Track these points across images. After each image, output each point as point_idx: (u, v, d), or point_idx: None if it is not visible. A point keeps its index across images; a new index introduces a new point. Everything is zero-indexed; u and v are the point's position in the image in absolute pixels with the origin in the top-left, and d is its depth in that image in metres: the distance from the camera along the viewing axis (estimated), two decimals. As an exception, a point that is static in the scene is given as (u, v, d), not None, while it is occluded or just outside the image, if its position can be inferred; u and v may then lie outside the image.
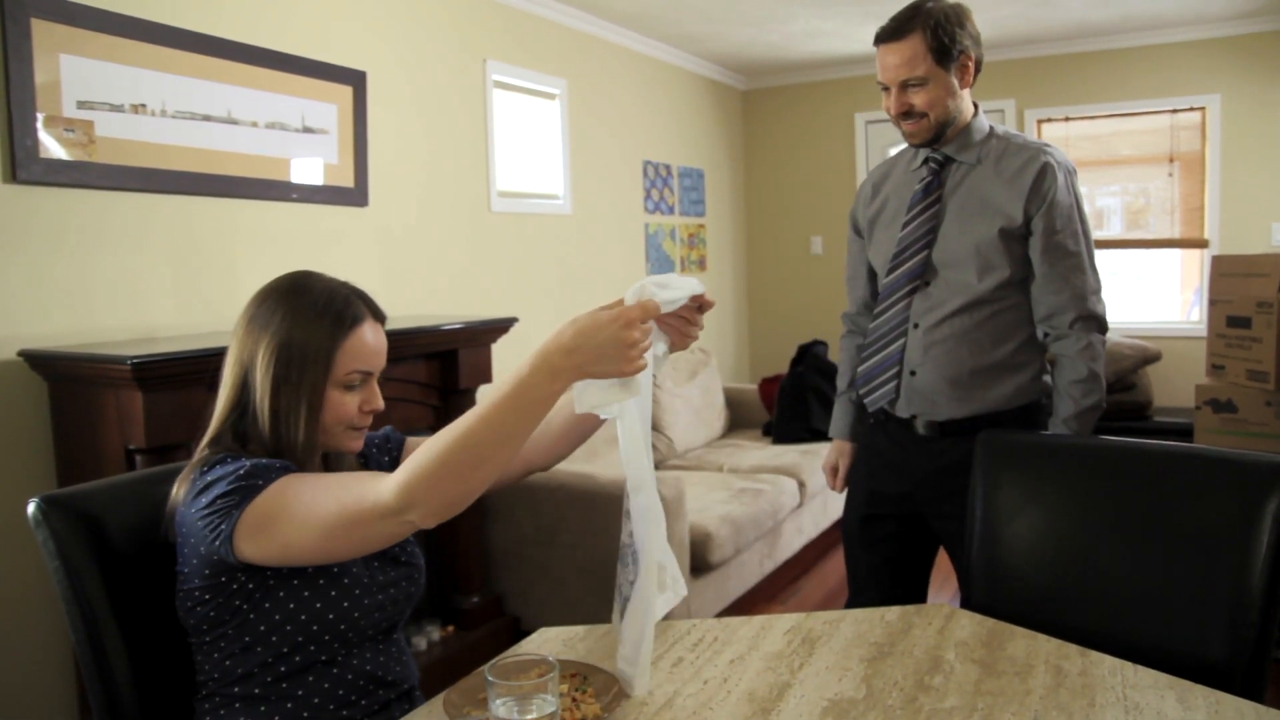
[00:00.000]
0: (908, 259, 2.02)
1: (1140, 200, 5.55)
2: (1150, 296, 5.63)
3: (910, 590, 2.14)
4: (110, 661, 1.28)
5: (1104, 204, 5.68)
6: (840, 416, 2.31)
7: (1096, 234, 5.64)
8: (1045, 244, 1.94)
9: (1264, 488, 1.45)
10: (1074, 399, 1.96)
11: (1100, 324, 1.99)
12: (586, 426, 1.47)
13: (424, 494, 1.09)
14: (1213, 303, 3.95)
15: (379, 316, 1.37)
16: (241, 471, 1.19)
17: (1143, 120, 5.46)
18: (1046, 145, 1.99)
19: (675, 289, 1.17)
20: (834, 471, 2.30)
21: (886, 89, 1.96)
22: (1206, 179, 5.31)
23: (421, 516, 1.11)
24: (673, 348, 1.29)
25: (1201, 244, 5.35)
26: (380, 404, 1.35)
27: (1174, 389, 5.26)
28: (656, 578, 1.25)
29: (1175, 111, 5.36)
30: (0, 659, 2.38)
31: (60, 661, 2.48)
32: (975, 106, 2.03)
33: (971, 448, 1.97)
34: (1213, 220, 5.30)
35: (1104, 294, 2.01)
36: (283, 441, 1.28)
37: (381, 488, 1.11)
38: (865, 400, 2.11)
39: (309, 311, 1.30)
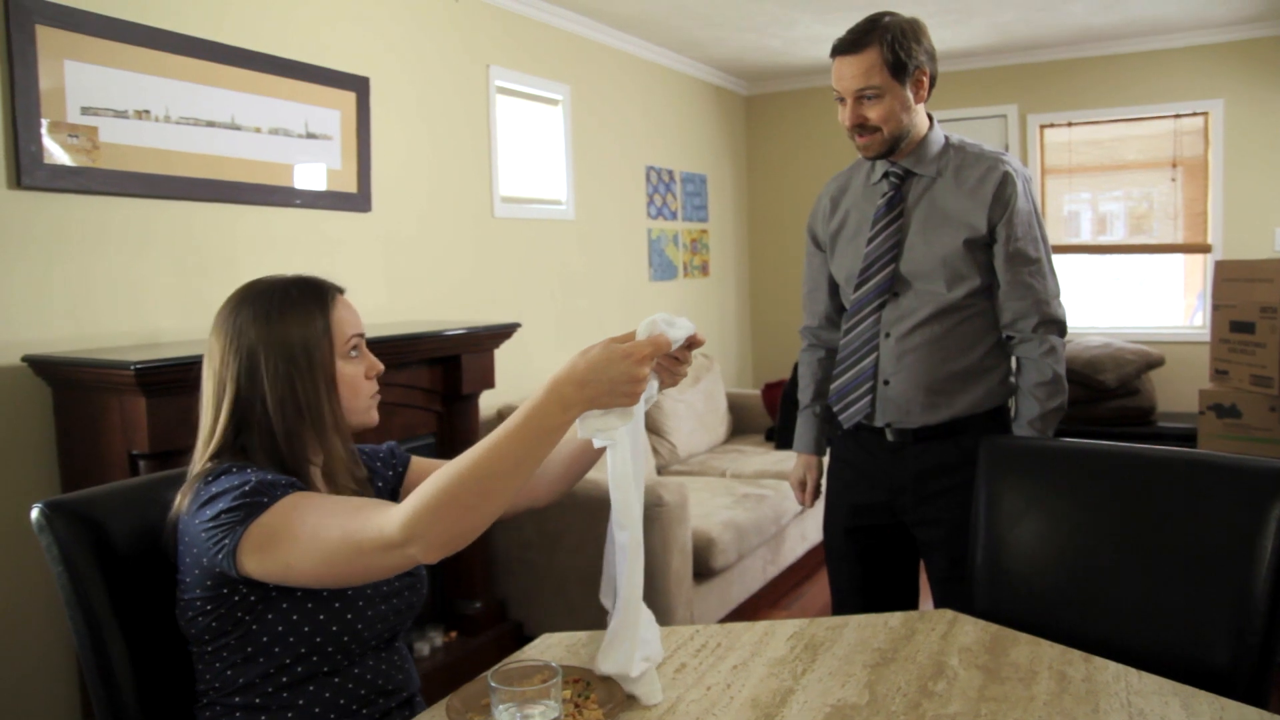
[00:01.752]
0: (875, 273, 2.04)
1: (1143, 205, 5.55)
2: (1153, 301, 5.63)
3: (897, 601, 2.13)
4: (113, 667, 1.28)
5: (1107, 209, 5.68)
6: (805, 431, 2.31)
7: (1100, 239, 5.64)
8: (1008, 252, 1.97)
9: (1268, 493, 1.44)
10: (1039, 400, 1.99)
11: (1061, 327, 2.02)
12: (585, 463, 1.49)
13: (428, 526, 1.08)
14: (1216, 308, 3.95)
15: (340, 290, 1.39)
16: (247, 488, 1.19)
17: (1146, 125, 5.46)
18: (1003, 154, 2.02)
19: (678, 328, 1.20)
20: (803, 486, 2.30)
21: (842, 100, 1.98)
22: (1210, 184, 5.31)
23: (423, 551, 1.09)
24: (662, 385, 1.32)
25: (1205, 249, 5.34)
26: (380, 365, 1.39)
27: (1177, 394, 5.25)
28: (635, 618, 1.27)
29: (1178, 116, 5.36)
30: (3, 664, 2.38)
31: (63, 667, 2.48)
32: (930, 119, 2.04)
33: (944, 451, 2.00)
34: (1216, 225, 5.29)
35: (1063, 298, 2.04)
36: (302, 429, 1.28)
37: (386, 519, 1.10)
38: (840, 416, 2.10)
39: (286, 303, 1.31)
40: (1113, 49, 5.42)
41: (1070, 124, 5.61)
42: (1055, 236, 5.64)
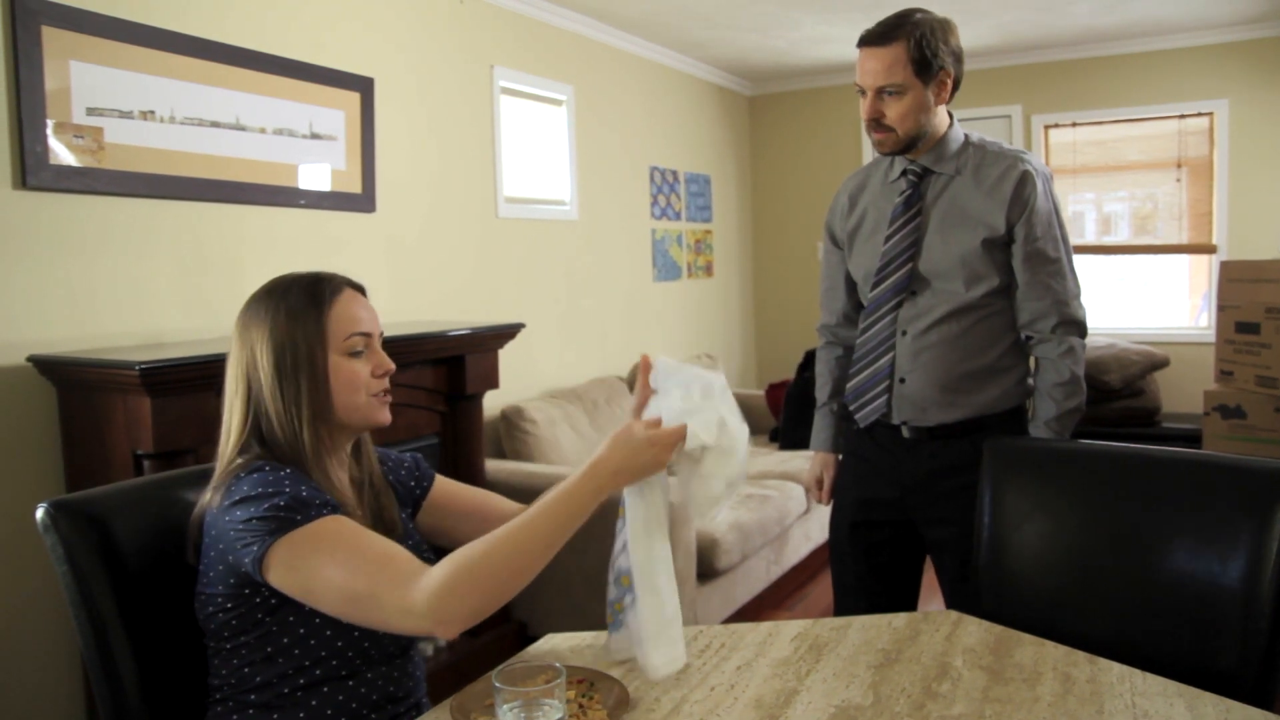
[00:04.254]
0: (892, 272, 2.02)
1: (1148, 206, 5.54)
2: (1158, 302, 5.62)
3: (899, 599, 2.12)
4: (118, 667, 1.28)
5: (1111, 209, 5.67)
6: (822, 428, 2.30)
7: (1104, 239, 5.64)
8: (1026, 251, 1.95)
9: (1273, 494, 1.44)
10: (1056, 401, 1.97)
11: (1080, 328, 2.00)
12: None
13: (455, 609, 1.12)
14: (1221, 308, 3.95)
15: (357, 288, 1.40)
16: (282, 501, 1.20)
17: (1150, 126, 5.45)
18: (1023, 152, 2.00)
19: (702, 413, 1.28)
20: (819, 484, 2.30)
21: (863, 92, 1.95)
22: (1215, 184, 5.30)
23: (443, 628, 1.13)
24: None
25: (1210, 249, 5.33)
26: (390, 364, 1.38)
27: (1182, 395, 5.24)
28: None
29: (1183, 117, 5.35)
30: (8, 665, 2.38)
31: (68, 667, 2.49)
32: (950, 117, 2.02)
33: (960, 450, 1.98)
34: (1221, 226, 5.28)
35: (1083, 299, 2.02)
36: (296, 424, 1.29)
37: (415, 591, 1.13)
38: (856, 415, 2.09)
39: (290, 298, 1.32)
40: (1117, 49, 5.41)
41: (1075, 124, 5.60)
42: (1060, 237, 5.63)
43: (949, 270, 1.97)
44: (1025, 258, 1.95)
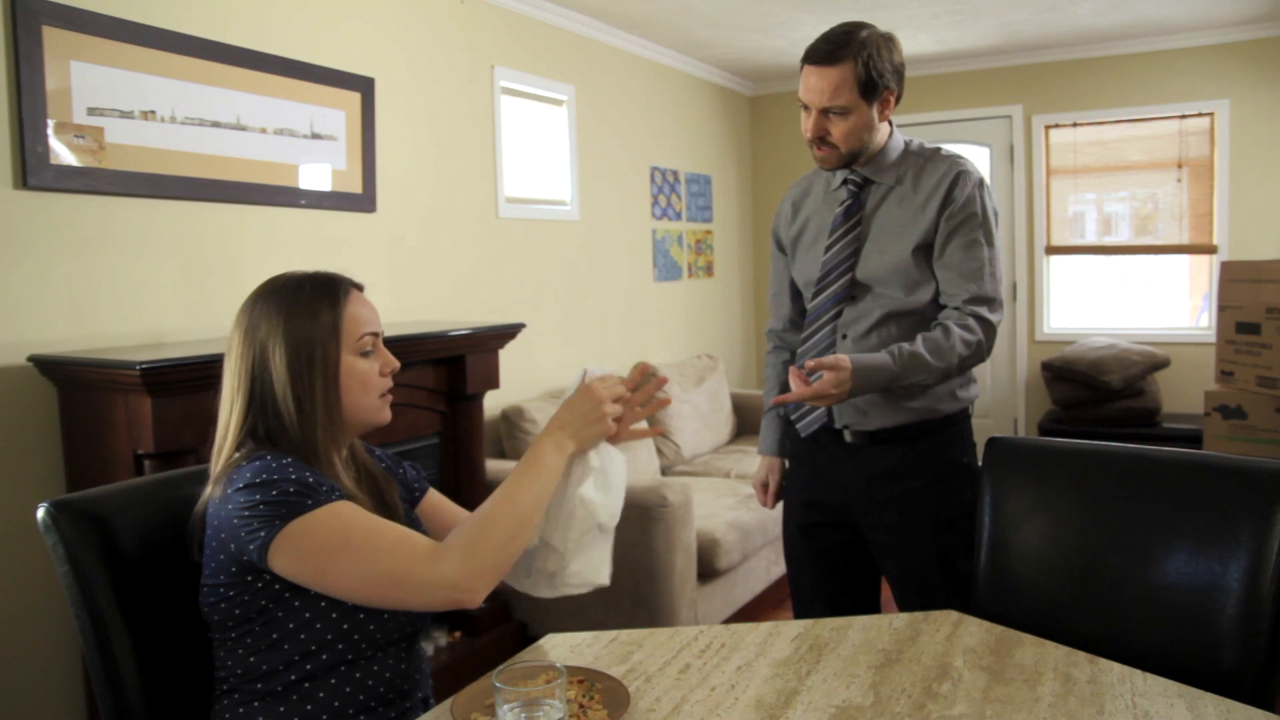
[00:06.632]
0: (832, 282, 2.03)
1: (1149, 206, 5.54)
2: (1159, 302, 5.61)
3: (858, 600, 2.12)
4: (118, 666, 1.28)
5: (1112, 210, 5.67)
6: (769, 432, 2.29)
7: (1105, 239, 5.63)
8: (949, 228, 1.93)
9: (1273, 494, 1.44)
10: (920, 346, 1.87)
11: (991, 305, 1.93)
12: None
13: (479, 565, 1.20)
14: (1222, 309, 3.95)
15: (359, 287, 1.43)
16: (291, 489, 1.20)
17: (1151, 126, 5.44)
18: (959, 157, 2.00)
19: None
20: (764, 488, 2.29)
21: (806, 108, 1.95)
22: (1215, 184, 5.30)
23: (469, 590, 1.19)
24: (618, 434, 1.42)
25: (1210, 250, 5.33)
26: (396, 363, 1.41)
27: (1183, 395, 5.24)
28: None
29: (1184, 117, 5.35)
30: (9, 664, 2.38)
31: (69, 666, 2.49)
32: (890, 125, 2.02)
33: (900, 456, 1.99)
34: (1222, 226, 5.28)
35: (1000, 305, 1.96)
36: (308, 423, 1.30)
37: (439, 563, 1.19)
38: (798, 425, 2.09)
39: (301, 298, 1.33)
40: (1118, 49, 5.41)
41: (1075, 124, 5.60)
42: (1060, 237, 5.64)
43: (887, 278, 1.97)
44: (946, 236, 1.93)
